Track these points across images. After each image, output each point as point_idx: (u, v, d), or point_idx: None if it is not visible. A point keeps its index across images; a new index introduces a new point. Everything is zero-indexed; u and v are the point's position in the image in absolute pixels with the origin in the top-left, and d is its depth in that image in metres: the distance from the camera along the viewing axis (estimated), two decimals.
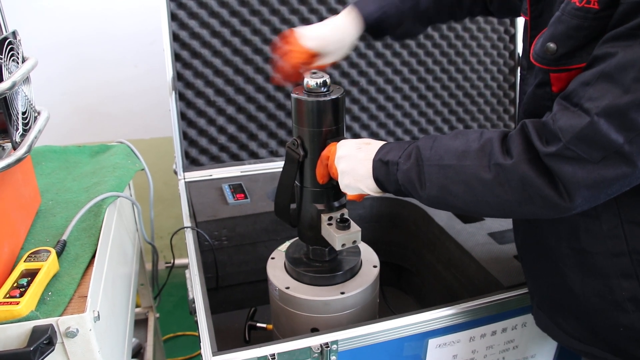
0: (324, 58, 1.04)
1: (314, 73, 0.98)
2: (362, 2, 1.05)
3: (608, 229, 0.76)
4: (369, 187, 0.88)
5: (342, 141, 0.93)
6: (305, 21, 1.57)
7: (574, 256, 0.82)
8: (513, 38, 1.78)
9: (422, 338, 0.98)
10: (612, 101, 0.62)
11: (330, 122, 0.97)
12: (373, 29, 1.06)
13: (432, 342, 0.99)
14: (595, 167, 0.65)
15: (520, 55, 1.76)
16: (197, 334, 1.09)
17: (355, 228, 1.00)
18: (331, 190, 1.02)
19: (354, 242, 1.00)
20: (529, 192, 0.70)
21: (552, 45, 0.71)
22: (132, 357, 1.45)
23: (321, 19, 1.57)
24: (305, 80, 0.96)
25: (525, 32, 0.85)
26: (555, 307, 0.91)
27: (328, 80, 0.96)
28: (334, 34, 1.03)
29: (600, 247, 0.78)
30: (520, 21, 1.71)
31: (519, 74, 1.80)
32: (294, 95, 0.97)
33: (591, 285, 0.81)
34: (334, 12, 1.58)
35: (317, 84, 0.95)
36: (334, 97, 0.96)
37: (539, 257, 0.90)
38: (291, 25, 1.56)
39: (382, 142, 0.89)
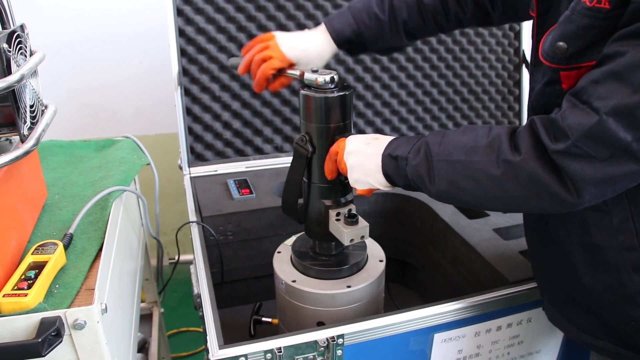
0: (301, 66, 1.06)
1: (315, 70, 0.98)
2: (333, 19, 1.06)
3: (618, 223, 0.77)
4: (379, 182, 0.89)
5: (351, 137, 0.93)
6: (311, 17, 1.57)
7: (585, 251, 0.82)
8: (518, 35, 1.77)
9: (428, 332, 0.98)
10: (621, 100, 0.63)
11: (338, 118, 0.97)
12: (349, 46, 1.07)
13: (438, 337, 0.99)
14: (603, 164, 0.66)
15: (524, 52, 1.77)
16: (200, 329, 1.09)
17: (363, 223, 1.00)
18: (339, 186, 1.02)
19: (362, 237, 1.00)
20: (537, 188, 0.71)
21: (562, 44, 0.71)
22: (137, 351, 1.45)
23: (327, 15, 1.57)
24: (315, 76, 0.96)
25: (533, 29, 0.85)
26: (566, 301, 0.91)
27: (336, 77, 0.97)
28: (314, 48, 1.06)
29: (611, 242, 0.78)
30: None
31: (524, 71, 1.80)
32: (302, 92, 0.98)
33: (602, 279, 0.81)
34: (339, 8, 1.58)
35: (325, 80, 0.96)
36: (342, 93, 0.96)
37: (549, 252, 0.90)
38: (296, 21, 1.56)
39: (391, 137, 0.90)
